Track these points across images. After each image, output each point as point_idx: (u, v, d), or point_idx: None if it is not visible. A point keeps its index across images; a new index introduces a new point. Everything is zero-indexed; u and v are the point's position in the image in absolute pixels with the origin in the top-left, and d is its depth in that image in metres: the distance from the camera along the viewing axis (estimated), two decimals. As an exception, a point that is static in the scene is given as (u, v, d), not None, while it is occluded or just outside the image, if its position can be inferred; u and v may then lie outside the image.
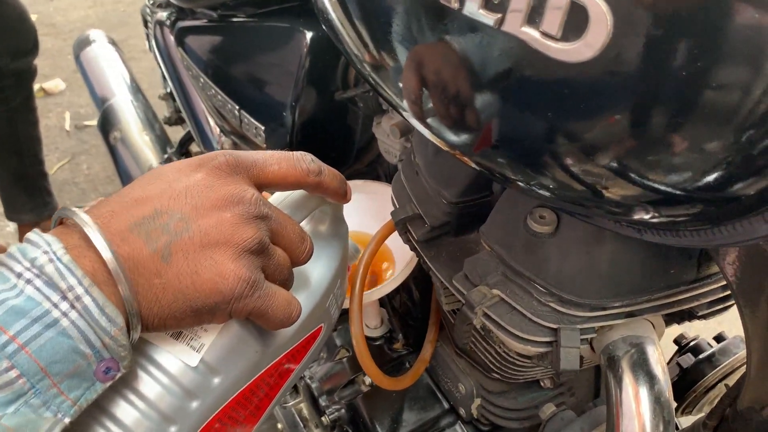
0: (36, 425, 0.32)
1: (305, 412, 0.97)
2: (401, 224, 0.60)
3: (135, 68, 1.65)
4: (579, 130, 0.33)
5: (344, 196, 0.48)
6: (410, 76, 0.40)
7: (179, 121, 1.40)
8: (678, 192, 0.33)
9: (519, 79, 0.32)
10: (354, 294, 0.60)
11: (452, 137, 0.40)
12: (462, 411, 0.73)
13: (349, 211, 0.80)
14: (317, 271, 0.48)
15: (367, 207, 0.80)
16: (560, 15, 0.27)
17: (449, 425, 0.76)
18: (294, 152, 0.44)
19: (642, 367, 0.51)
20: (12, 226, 1.80)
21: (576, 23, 0.27)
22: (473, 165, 0.42)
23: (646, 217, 0.36)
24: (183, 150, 1.26)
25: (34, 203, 1.66)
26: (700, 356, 0.65)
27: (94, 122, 2.33)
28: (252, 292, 0.38)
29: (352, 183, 0.80)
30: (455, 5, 0.30)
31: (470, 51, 0.33)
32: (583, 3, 0.27)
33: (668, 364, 0.68)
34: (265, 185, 0.43)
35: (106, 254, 0.34)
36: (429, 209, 0.58)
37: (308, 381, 0.80)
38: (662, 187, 0.33)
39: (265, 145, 0.85)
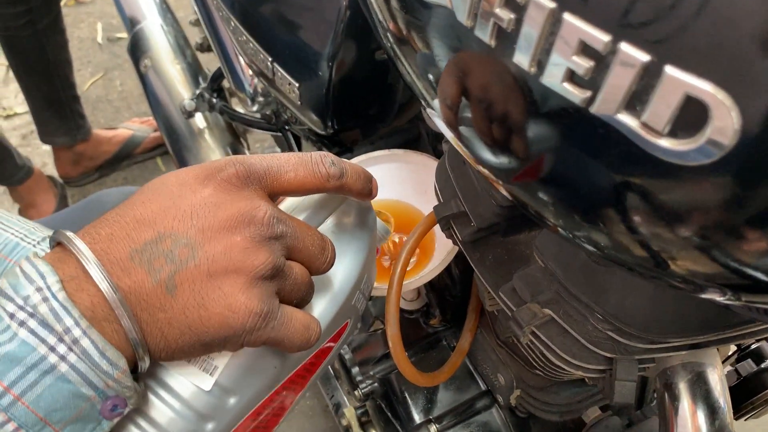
0: None
1: (337, 366, 0.97)
2: (444, 221, 0.55)
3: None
4: (662, 205, 0.27)
5: (369, 195, 0.43)
6: (450, 83, 0.33)
7: (212, 47, 1.34)
8: None
9: (597, 157, 0.26)
10: (391, 294, 0.56)
11: (488, 156, 0.34)
12: (500, 398, 0.71)
13: (389, 180, 0.76)
14: (342, 268, 0.45)
15: (407, 178, 0.75)
16: (671, 107, 0.21)
17: (485, 408, 0.74)
18: (312, 154, 0.39)
19: (703, 397, 0.48)
20: (47, 146, 1.79)
21: (690, 119, 0.21)
22: (505, 193, 0.37)
23: (719, 299, 0.30)
24: (215, 86, 1.20)
25: (67, 127, 1.63)
26: (763, 365, 0.61)
27: (127, 34, 2.29)
28: (265, 324, 0.35)
29: (391, 152, 0.76)
30: (532, 70, 0.24)
31: (539, 108, 0.27)
32: (702, 97, 0.21)
33: (724, 363, 0.64)
34: (281, 194, 0.39)
35: (106, 289, 0.32)
36: (476, 208, 0.53)
37: (342, 351, 0.79)
38: (752, 272, 0.27)
39: (299, 102, 0.79)
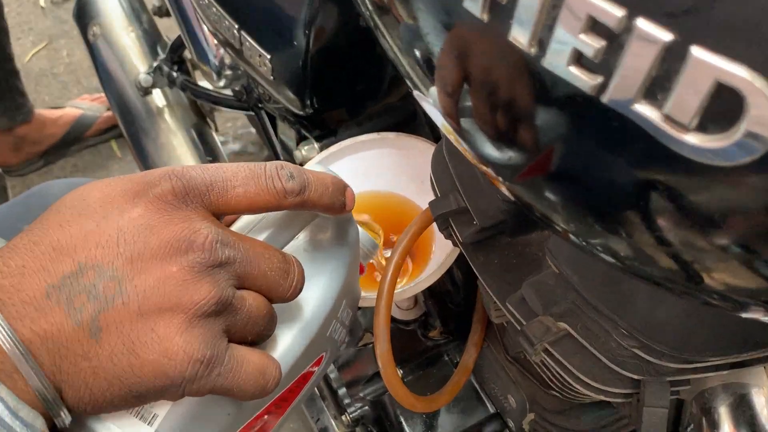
0: None
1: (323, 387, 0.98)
2: (442, 219, 0.55)
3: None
4: (692, 208, 0.26)
5: (342, 209, 0.42)
6: (446, 64, 0.32)
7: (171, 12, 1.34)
8: None
9: (614, 154, 0.25)
10: (380, 303, 0.56)
11: (490, 152, 0.34)
12: (511, 423, 0.71)
13: (379, 169, 0.76)
14: (315, 294, 0.44)
15: (401, 166, 0.75)
16: (699, 96, 0.21)
17: (495, 434, 0.75)
18: (267, 165, 0.38)
19: (748, 424, 0.49)
20: (-17, 132, 1.79)
21: (723, 110, 0.21)
22: (507, 193, 0.36)
23: (763, 318, 0.30)
24: (175, 57, 1.20)
25: (4, 107, 1.64)
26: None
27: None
28: (209, 372, 0.35)
29: (381, 135, 0.76)
30: (532, 50, 0.23)
31: (543, 97, 0.26)
32: (736, 84, 0.20)
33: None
34: (227, 213, 0.38)
35: (6, 340, 0.31)
36: (480, 204, 0.53)
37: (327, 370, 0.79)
38: None
39: (272, 77, 0.79)
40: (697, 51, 0.20)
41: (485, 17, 0.25)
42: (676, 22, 0.20)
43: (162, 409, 0.37)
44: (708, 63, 0.20)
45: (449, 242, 0.66)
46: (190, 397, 0.37)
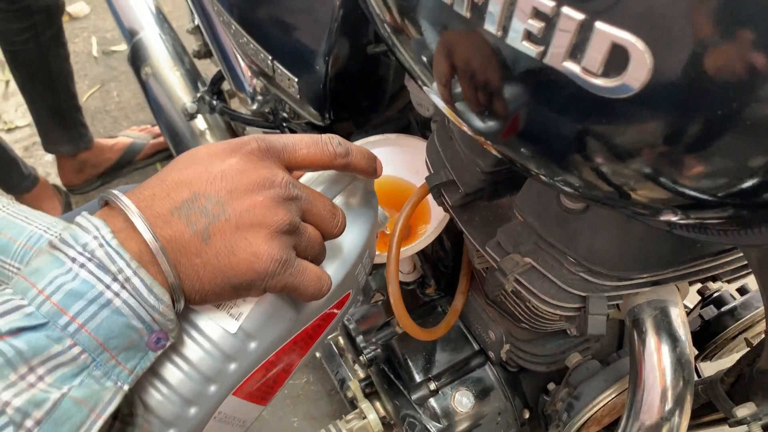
0: (100, 395, 0.36)
1: (342, 343, 1.03)
2: (436, 189, 0.62)
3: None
4: (612, 141, 0.34)
5: (374, 173, 0.49)
6: (442, 61, 0.39)
7: (208, 54, 1.40)
8: (709, 197, 0.33)
9: (555, 103, 0.33)
10: (391, 255, 0.63)
11: (478, 123, 0.40)
12: (491, 354, 0.77)
13: (384, 161, 0.82)
14: (348, 241, 0.50)
15: (401, 158, 0.82)
16: (602, 53, 0.28)
17: (479, 365, 0.81)
18: (322, 135, 0.45)
19: (665, 329, 0.54)
20: (50, 156, 1.84)
21: (617, 62, 0.28)
22: (495, 153, 0.43)
23: (674, 219, 0.37)
24: (215, 89, 1.26)
25: (69, 136, 1.68)
26: (723, 309, 0.68)
27: (121, 47, 2.33)
28: (284, 270, 0.40)
29: (385, 137, 0.82)
30: (499, 34, 0.31)
31: (508, 68, 0.33)
32: (624, 44, 0.27)
33: (690, 314, 0.71)
34: (295, 168, 0.44)
35: (149, 238, 0.37)
36: (463, 176, 0.60)
37: (346, 322, 0.85)
38: (693, 193, 0.34)
39: (298, 96, 0.86)
40: (599, 24, 0.27)
41: (468, 14, 0.32)
42: (585, 7, 0.28)
43: (246, 309, 0.42)
44: (607, 32, 0.27)
45: (440, 216, 0.73)
46: (265, 300, 0.42)
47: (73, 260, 0.36)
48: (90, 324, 0.35)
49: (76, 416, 0.34)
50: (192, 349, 0.41)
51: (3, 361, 0.33)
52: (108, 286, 0.35)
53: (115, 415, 0.38)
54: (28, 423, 0.33)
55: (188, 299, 0.39)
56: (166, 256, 0.37)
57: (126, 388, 0.37)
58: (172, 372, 0.41)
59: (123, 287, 0.36)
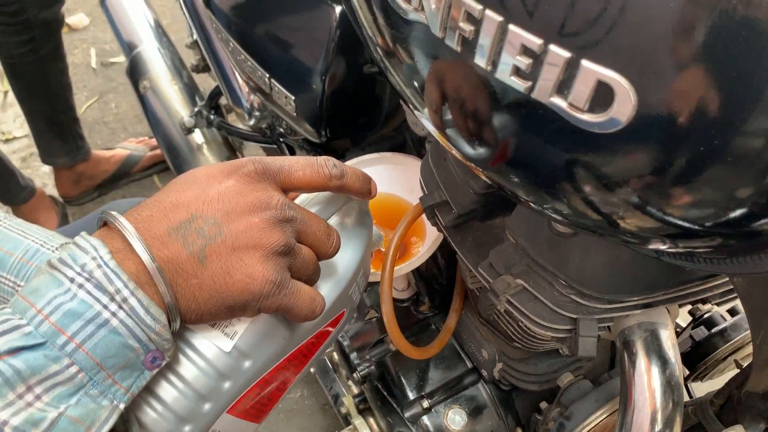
0: (96, 413, 0.36)
1: (336, 359, 1.03)
2: (429, 209, 0.63)
3: (157, 6, 1.64)
4: (597, 173, 0.34)
5: (368, 194, 0.50)
6: (433, 89, 0.40)
7: (206, 68, 1.41)
8: (697, 227, 0.34)
9: (543, 135, 0.33)
10: (384, 275, 0.64)
11: (469, 150, 0.41)
12: (484, 373, 0.78)
13: (380, 178, 0.83)
14: (343, 261, 0.50)
15: (396, 176, 0.83)
16: (588, 90, 0.29)
17: (472, 383, 0.81)
18: (318, 158, 0.46)
19: (655, 352, 0.54)
20: (47, 167, 1.85)
21: (602, 98, 0.29)
22: (485, 179, 0.43)
23: (663, 247, 0.38)
24: (212, 103, 1.27)
25: (67, 148, 1.69)
26: (713, 330, 0.68)
27: (120, 59, 2.34)
28: (278, 291, 0.41)
29: (380, 155, 0.83)
30: (488, 68, 0.32)
31: (497, 100, 0.34)
32: (609, 81, 0.28)
33: (681, 334, 0.72)
34: (291, 189, 0.45)
35: (146, 259, 0.37)
36: (456, 197, 0.60)
37: (340, 339, 0.85)
38: (681, 222, 0.34)
39: (295, 114, 0.87)
40: (585, 62, 0.28)
41: (459, 48, 0.33)
42: (572, 45, 0.29)
43: (240, 328, 0.43)
44: (592, 69, 0.28)
45: (434, 236, 0.74)
46: (260, 320, 0.43)
47: (72, 280, 0.36)
48: (87, 344, 0.35)
49: None
50: (187, 368, 0.42)
51: (2, 380, 0.33)
52: (105, 306, 0.36)
53: None
54: None
55: (184, 319, 0.40)
56: (163, 276, 0.38)
57: (122, 406, 0.37)
58: (167, 390, 0.41)
59: (120, 307, 0.36)
